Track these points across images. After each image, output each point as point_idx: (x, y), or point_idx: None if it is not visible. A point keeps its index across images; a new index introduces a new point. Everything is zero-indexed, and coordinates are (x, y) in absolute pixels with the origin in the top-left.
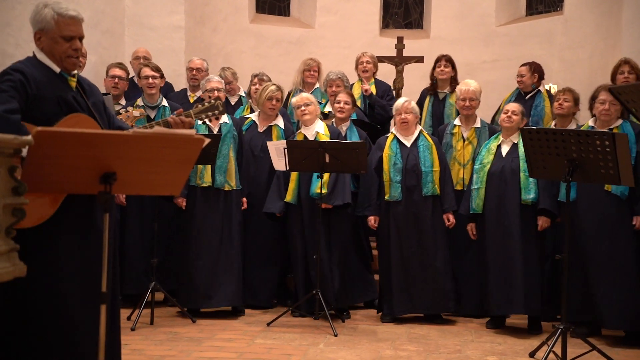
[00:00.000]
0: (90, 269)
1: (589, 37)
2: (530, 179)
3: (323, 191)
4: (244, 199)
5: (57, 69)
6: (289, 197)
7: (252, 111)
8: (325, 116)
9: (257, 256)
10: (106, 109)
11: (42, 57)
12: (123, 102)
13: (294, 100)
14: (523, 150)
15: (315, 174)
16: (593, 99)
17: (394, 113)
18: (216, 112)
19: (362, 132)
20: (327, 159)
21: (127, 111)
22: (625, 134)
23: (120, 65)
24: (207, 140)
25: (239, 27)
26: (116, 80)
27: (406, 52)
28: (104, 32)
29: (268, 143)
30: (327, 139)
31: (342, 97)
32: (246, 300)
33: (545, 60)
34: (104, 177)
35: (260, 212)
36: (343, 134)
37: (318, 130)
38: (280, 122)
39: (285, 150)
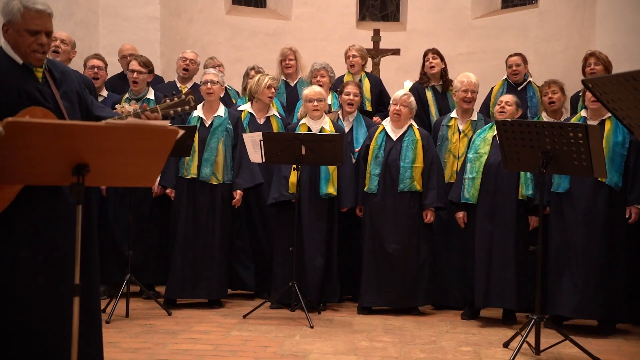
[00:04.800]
0: (53, 260)
1: (563, 30)
2: (529, 175)
3: (330, 191)
4: (240, 192)
5: (20, 61)
6: (293, 189)
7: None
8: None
9: (270, 247)
10: (82, 97)
11: (7, 49)
12: (104, 92)
13: (307, 91)
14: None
15: (323, 171)
16: (585, 89)
17: (391, 102)
18: (186, 107)
19: (369, 121)
20: (303, 151)
21: (122, 107)
22: (597, 126)
23: (98, 56)
24: (181, 132)
25: (214, 18)
26: (95, 70)
27: (382, 45)
28: (78, 22)
29: (243, 135)
30: None
31: (351, 89)
32: (266, 289)
33: None
34: (76, 168)
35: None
36: (350, 126)
37: (324, 125)
38: (276, 112)
39: (261, 142)
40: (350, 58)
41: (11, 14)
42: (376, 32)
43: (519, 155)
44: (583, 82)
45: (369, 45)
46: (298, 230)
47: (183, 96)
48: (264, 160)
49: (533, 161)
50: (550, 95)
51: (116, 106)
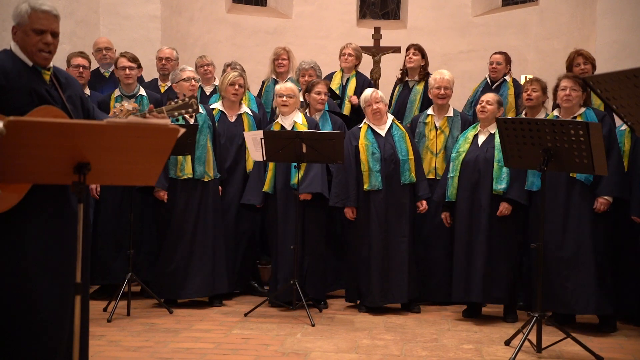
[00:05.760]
0: (59, 260)
1: (563, 27)
2: (504, 169)
3: (296, 181)
4: (220, 188)
5: (30, 63)
6: (267, 187)
7: None
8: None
9: (232, 244)
10: (85, 102)
11: (16, 50)
12: (87, 91)
13: (278, 87)
14: (499, 140)
15: (293, 165)
16: (556, 88)
17: (363, 105)
18: (190, 110)
19: (336, 119)
20: (304, 149)
21: (122, 105)
22: (599, 123)
23: (82, 54)
24: (182, 130)
25: (215, 16)
26: (81, 69)
27: (383, 43)
28: (79, 21)
29: (245, 133)
30: (305, 129)
31: (322, 88)
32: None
33: (520, 51)
34: (78, 167)
35: (234, 200)
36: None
37: (296, 120)
38: (247, 110)
39: (262, 140)
40: (346, 56)
41: (19, 16)
42: (377, 30)
43: (520, 152)
44: (585, 79)
45: (370, 43)
46: (297, 227)
47: (187, 99)
48: (264, 158)
49: (534, 159)
50: (529, 92)
51: (115, 104)
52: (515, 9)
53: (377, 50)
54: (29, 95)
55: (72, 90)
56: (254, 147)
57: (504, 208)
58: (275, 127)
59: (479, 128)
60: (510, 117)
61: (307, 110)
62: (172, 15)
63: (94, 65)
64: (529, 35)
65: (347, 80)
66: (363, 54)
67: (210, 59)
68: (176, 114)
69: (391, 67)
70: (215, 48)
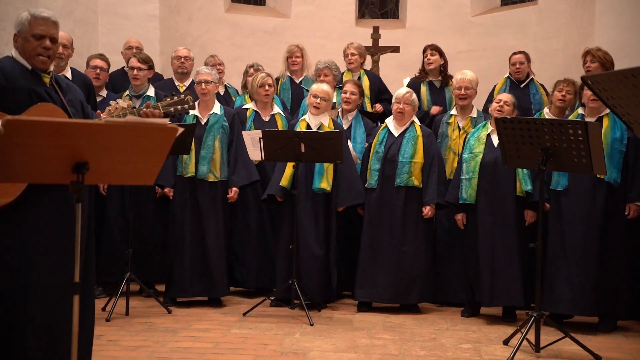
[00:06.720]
0: (58, 259)
1: (562, 27)
2: (525, 171)
3: (323, 186)
4: (235, 189)
5: (30, 66)
6: (285, 182)
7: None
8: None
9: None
10: (85, 107)
11: (16, 56)
12: (104, 93)
13: (315, 86)
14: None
15: (317, 166)
16: (582, 87)
17: (393, 100)
18: (185, 106)
19: (368, 122)
20: (302, 149)
21: (117, 102)
22: (598, 123)
23: (102, 56)
24: (181, 130)
25: (214, 16)
26: (98, 71)
27: (382, 42)
28: (77, 21)
29: (243, 133)
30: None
31: (349, 87)
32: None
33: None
34: (76, 166)
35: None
36: (348, 125)
37: (323, 122)
38: (279, 110)
39: (261, 139)
40: (349, 56)
41: (20, 24)
42: (375, 29)
43: (519, 152)
44: (582, 79)
45: (369, 42)
46: (296, 227)
47: (182, 96)
48: (263, 158)
49: (533, 158)
50: (564, 93)
51: (110, 102)
52: (514, 8)
53: (375, 50)
54: (28, 95)
55: (73, 95)
56: (252, 147)
57: (530, 217)
58: (302, 125)
59: (490, 127)
60: (509, 117)
61: (339, 111)
62: (171, 15)
63: (118, 65)
64: (527, 35)
65: (359, 78)
66: None
67: (220, 59)
68: (172, 109)
69: (390, 67)
70: (214, 48)
